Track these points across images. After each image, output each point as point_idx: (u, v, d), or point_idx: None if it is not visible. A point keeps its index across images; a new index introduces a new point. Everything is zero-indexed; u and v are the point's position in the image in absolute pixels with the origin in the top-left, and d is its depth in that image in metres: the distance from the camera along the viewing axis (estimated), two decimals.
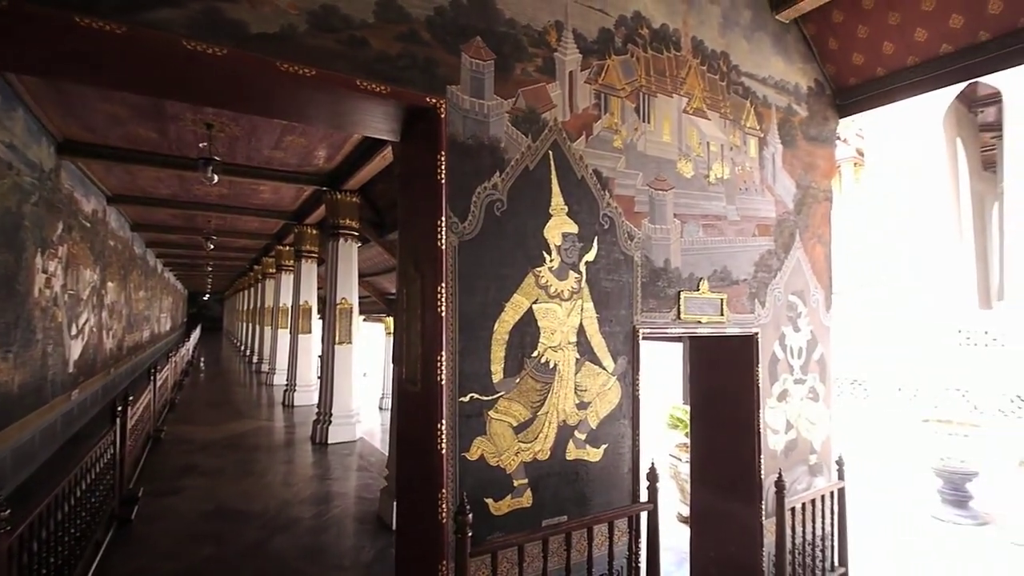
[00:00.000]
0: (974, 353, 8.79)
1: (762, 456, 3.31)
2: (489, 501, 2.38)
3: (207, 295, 41.72)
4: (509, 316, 2.48)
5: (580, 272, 2.70)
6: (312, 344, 10.65)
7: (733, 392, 3.46)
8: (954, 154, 10.77)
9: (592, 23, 2.85)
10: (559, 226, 2.65)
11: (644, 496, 2.79)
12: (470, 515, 2.12)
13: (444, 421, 2.23)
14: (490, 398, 2.41)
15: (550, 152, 2.65)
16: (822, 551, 3.58)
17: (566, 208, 2.68)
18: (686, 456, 5.38)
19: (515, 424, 2.47)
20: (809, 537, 3.49)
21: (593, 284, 2.75)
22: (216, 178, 5.92)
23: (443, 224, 2.29)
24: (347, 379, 7.94)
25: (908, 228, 10.60)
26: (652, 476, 2.76)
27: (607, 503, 2.72)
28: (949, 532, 5.66)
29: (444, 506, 2.20)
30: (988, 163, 12.43)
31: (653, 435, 5.85)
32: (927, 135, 10.46)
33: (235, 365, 19.23)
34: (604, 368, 2.76)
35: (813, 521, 3.52)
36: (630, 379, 2.85)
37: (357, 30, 2.18)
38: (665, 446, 5.97)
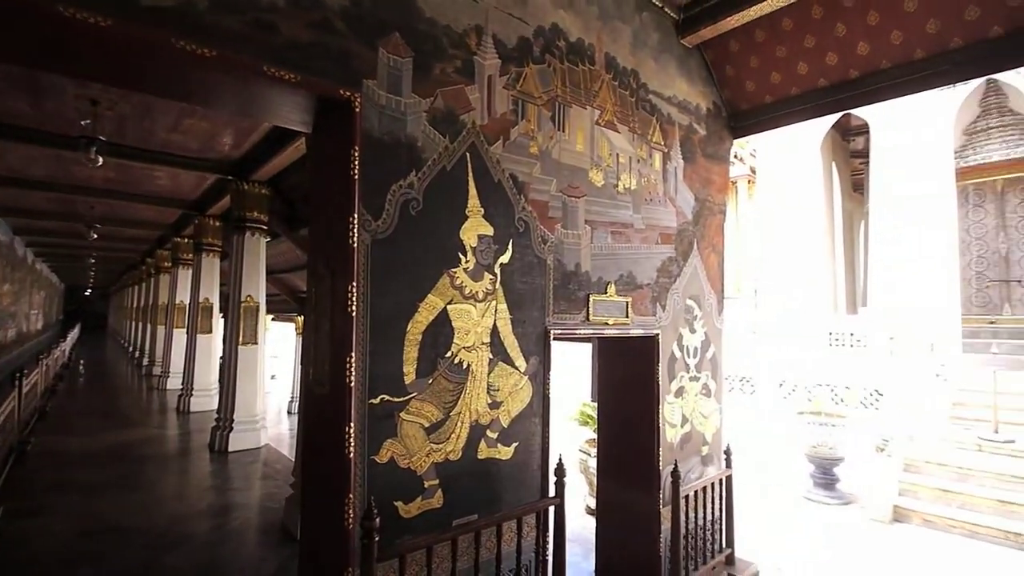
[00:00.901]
0: (841, 353, 9.99)
1: (660, 448, 3.56)
2: (399, 504, 2.35)
3: (89, 290, 37.32)
4: (423, 316, 2.47)
5: (495, 274, 2.75)
6: (213, 345, 9.89)
7: (635, 389, 3.68)
8: (829, 176, 12.15)
9: (512, 30, 2.91)
10: (475, 228, 2.68)
11: (552, 491, 2.90)
12: (377, 519, 2.08)
13: (352, 424, 2.18)
14: (402, 399, 2.39)
15: (468, 154, 2.67)
16: (712, 533, 3.90)
17: (482, 210, 2.71)
18: (595, 451, 5.62)
19: (427, 425, 2.46)
20: (701, 521, 3.79)
21: (507, 286, 2.80)
22: (101, 160, 5.33)
23: (355, 221, 2.23)
24: (251, 382, 7.46)
25: (791, 241, 11.80)
26: (559, 471, 2.87)
27: (517, 500, 2.79)
28: (819, 511, 6.37)
29: (350, 511, 2.15)
30: (857, 186, 14.16)
31: (565, 432, 6.06)
32: (807, 159, 11.72)
33: (122, 368, 17.36)
34: (517, 368, 2.83)
35: (705, 507, 3.83)
36: (541, 378, 2.94)
37: (265, 13, 2.07)
38: (576, 442, 6.21)
